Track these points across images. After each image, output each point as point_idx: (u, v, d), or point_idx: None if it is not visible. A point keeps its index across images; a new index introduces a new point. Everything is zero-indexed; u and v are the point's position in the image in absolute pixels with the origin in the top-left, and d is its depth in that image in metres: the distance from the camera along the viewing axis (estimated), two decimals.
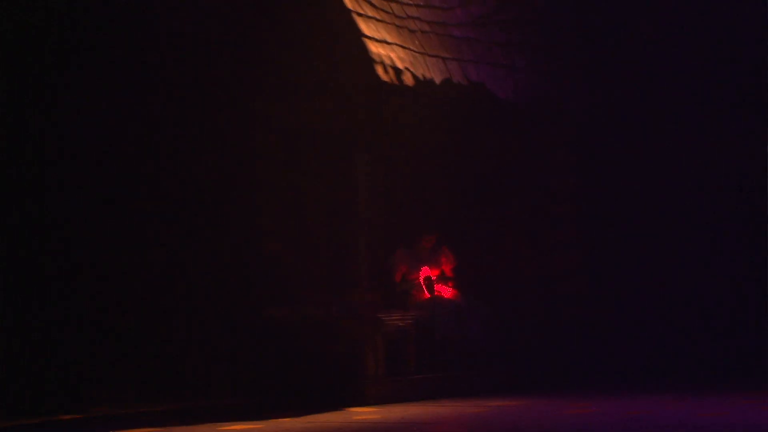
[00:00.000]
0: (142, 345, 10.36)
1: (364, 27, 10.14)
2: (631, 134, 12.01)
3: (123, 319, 10.27)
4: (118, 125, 10.29)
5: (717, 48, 11.59)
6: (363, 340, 10.40)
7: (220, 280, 10.69)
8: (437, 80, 10.73)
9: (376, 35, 10.21)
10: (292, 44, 10.52)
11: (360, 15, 10.17)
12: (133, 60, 10.37)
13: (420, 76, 10.53)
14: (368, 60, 10.10)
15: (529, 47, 11.62)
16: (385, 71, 10.19)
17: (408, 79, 10.44)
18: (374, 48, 10.14)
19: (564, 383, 11.34)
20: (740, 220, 11.61)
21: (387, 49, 10.29)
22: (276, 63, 10.59)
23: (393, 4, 10.53)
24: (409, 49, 10.53)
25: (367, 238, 10.51)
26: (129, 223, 10.37)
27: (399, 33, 10.54)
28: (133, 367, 10.30)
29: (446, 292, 11.53)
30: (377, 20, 10.32)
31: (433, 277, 11.57)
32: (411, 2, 10.74)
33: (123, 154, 10.38)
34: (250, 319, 10.66)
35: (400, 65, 10.33)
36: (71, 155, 10.05)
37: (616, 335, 11.89)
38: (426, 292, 11.50)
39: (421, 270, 11.54)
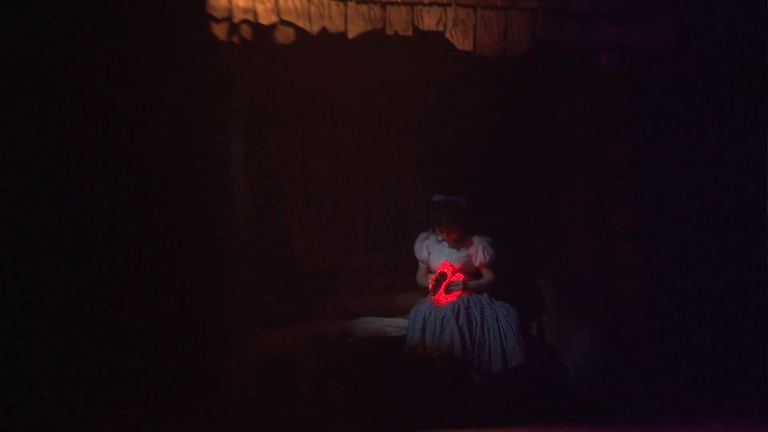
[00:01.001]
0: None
1: None
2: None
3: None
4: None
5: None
6: (229, 360, 8.51)
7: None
8: (353, 33, 8.26)
9: None
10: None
11: None
12: None
13: (313, 31, 8.14)
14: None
15: None
16: (233, 30, 7.98)
17: (284, 36, 8.13)
18: (221, 2, 7.94)
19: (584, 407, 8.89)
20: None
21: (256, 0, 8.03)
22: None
23: None
24: None
25: (242, 233, 8.48)
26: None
27: None
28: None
29: (442, 296, 9.09)
30: None
31: (450, 275, 9.15)
32: None
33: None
34: None
35: (266, 20, 8.03)
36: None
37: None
38: (431, 292, 9.16)
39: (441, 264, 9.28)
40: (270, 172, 9.40)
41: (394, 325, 9.21)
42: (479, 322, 8.98)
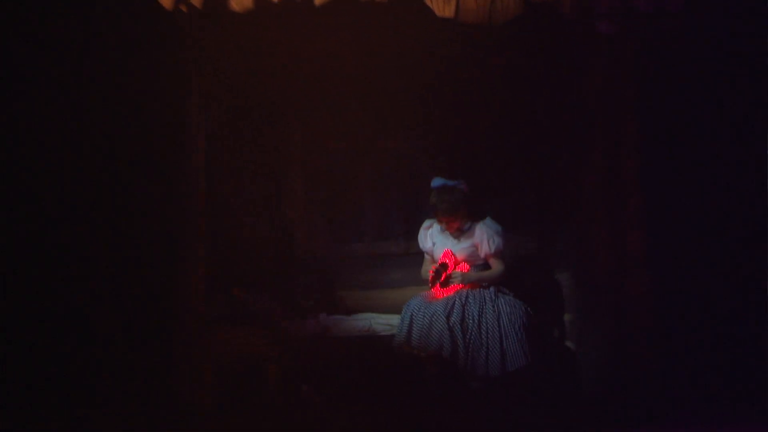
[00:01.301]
0: None
1: None
2: None
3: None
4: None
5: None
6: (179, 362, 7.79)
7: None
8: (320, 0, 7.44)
9: None
10: None
11: None
12: None
13: None
14: None
15: None
16: None
17: (240, 4, 7.41)
18: None
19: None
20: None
21: None
22: None
23: None
24: None
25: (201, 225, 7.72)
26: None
27: None
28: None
29: (438, 290, 8.20)
30: None
31: (452, 266, 8.25)
32: None
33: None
34: None
35: None
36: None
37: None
38: (429, 284, 8.28)
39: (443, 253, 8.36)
40: (268, 160, 8.70)
41: (385, 322, 8.38)
42: (476, 321, 8.05)
